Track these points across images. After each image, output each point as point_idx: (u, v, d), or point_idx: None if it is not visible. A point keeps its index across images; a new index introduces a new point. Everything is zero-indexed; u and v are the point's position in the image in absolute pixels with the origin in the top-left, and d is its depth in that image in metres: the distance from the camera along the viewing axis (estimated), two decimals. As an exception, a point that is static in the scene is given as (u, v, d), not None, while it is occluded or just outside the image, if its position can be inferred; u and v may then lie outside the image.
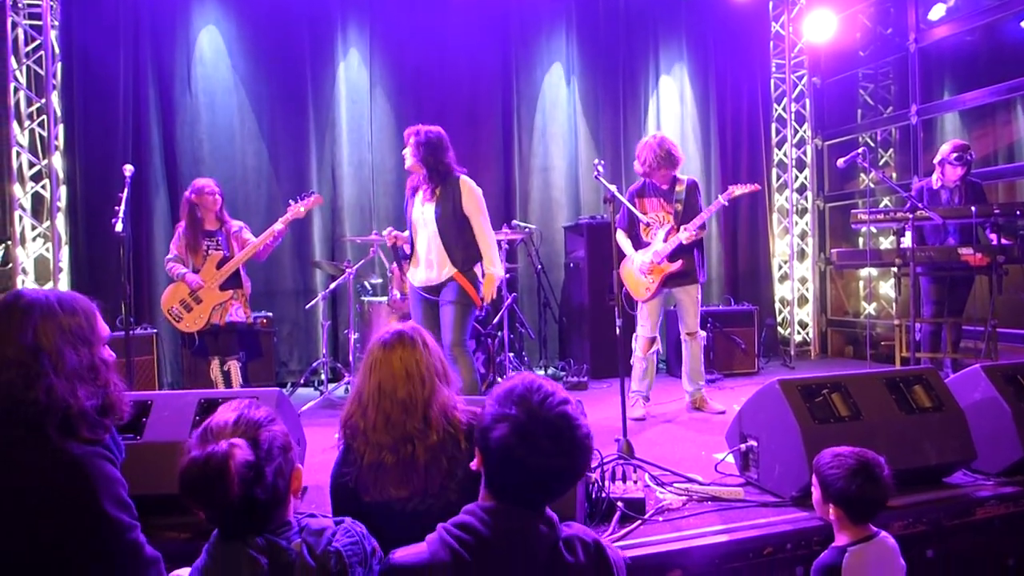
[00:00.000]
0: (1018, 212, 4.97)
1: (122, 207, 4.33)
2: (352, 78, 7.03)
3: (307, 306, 6.57)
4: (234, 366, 5.11)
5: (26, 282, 6.04)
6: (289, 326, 6.85)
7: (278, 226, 5.06)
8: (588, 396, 5.91)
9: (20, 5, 6.12)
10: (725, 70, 8.13)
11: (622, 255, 5.07)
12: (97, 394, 1.82)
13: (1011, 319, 6.02)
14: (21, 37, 6.15)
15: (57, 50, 6.25)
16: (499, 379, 5.83)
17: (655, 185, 5.10)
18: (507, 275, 6.25)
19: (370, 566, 1.61)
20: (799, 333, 8.34)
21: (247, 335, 5.24)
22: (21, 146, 6.11)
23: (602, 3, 7.72)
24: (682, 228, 4.91)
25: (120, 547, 1.73)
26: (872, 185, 7.80)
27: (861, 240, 8.03)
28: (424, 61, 7.18)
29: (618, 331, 4.06)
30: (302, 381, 6.46)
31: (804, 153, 8.45)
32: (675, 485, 3.33)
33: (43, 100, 6.17)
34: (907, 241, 5.18)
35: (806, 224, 8.43)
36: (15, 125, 6.08)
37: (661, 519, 2.97)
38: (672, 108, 7.94)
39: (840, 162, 5.47)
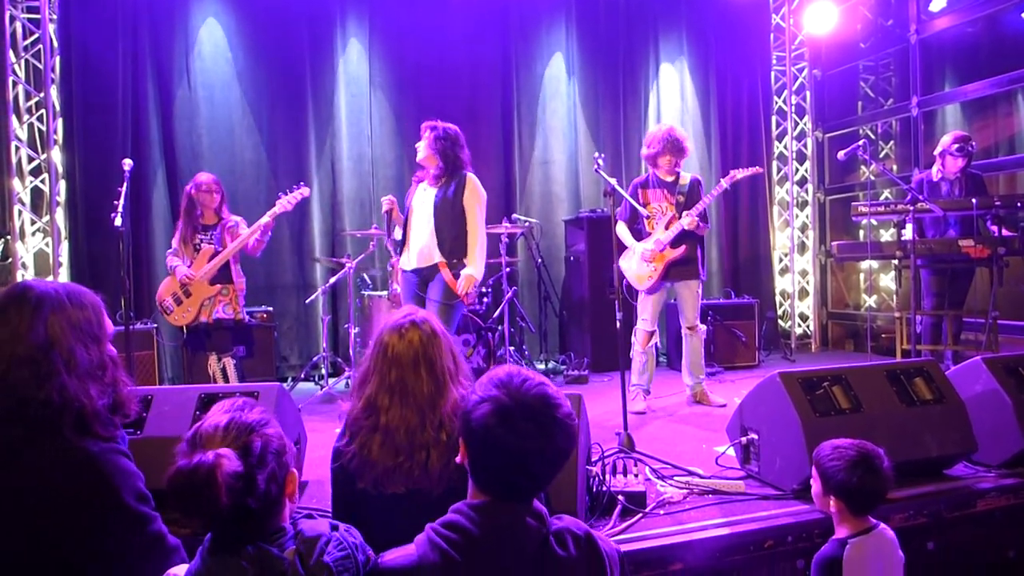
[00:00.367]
0: (1019, 204, 4.97)
1: (121, 201, 4.33)
2: (352, 72, 7.01)
3: (307, 300, 6.57)
4: (228, 363, 5.08)
5: (26, 276, 6.03)
6: (289, 321, 6.84)
7: (265, 219, 5.04)
8: (589, 390, 5.92)
9: (18, -1, 6.11)
10: (725, 63, 8.11)
11: (622, 248, 5.07)
12: (107, 392, 1.80)
13: (1012, 311, 6.02)
14: (19, 31, 6.14)
15: (55, 44, 6.23)
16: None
17: (659, 177, 5.10)
18: (507, 268, 6.25)
19: None
20: (800, 326, 8.34)
21: (238, 331, 5.21)
22: (20, 140, 6.10)
23: (602, -4, 7.71)
24: (684, 214, 4.92)
25: (144, 539, 1.73)
26: (873, 177, 7.79)
27: (862, 233, 8.01)
28: (424, 55, 7.16)
29: (618, 325, 4.05)
30: (303, 376, 6.47)
31: (804, 146, 8.43)
32: (676, 478, 3.33)
33: (42, 94, 6.16)
34: (908, 233, 5.17)
35: (807, 217, 8.42)
36: (14, 119, 6.06)
37: (662, 512, 2.97)
38: (672, 101, 7.92)
39: (841, 154, 5.46)
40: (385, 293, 5.92)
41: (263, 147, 6.79)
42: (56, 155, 6.20)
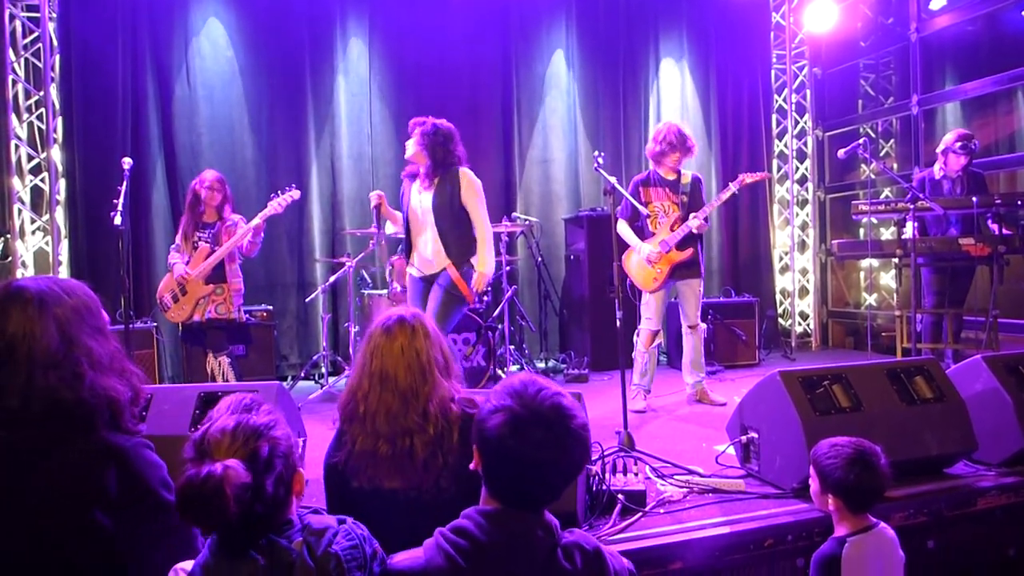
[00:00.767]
0: (1019, 202, 4.96)
1: (121, 200, 4.33)
2: (352, 70, 7.00)
3: (307, 299, 6.57)
4: (224, 362, 5.07)
5: (26, 275, 6.02)
6: (289, 319, 6.84)
7: (255, 222, 5.03)
8: (589, 389, 5.92)
9: (17, -3, 6.11)
10: (725, 61, 8.11)
11: (623, 246, 5.06)
12: (127, 384, 1.77)
13: (1012, 309, 6.01)
14: (19, 29, 6.13)
15: (55, 42, 6.23)
16: (500, 372, 5.83)
17: (660, 175, 5.09)
18: (507, 267, 6.25)
19: (370, 569, 1.59)
20: (800, 324, 8.33)
21: (233, 330, 5.20)
22: (20, 139, 6.10)
23: (602, -6, 7.70)
24: (691, 216, 4.92)
25: (176, 528, 1.73)
26: (873, 176, 7.79)
27: (862, 231, 8.01)
28: (424, 53, 7.15)
29: (618, 323, 4.05)
30: (302, 374, 6.47)
31: (805, 144, 8.42)
32: (676, 477, 3.33)
33: (41, 93, 6.16)
34: (908, 232, 5.16)
35: (807, 215, 8.41)
36: (13, 118, 6.06)
37: (662, 511, 2.97)
38: (672, 100, 7.92)
39: (841, 153, 5.45)
40: (385, 292, 5.91)
41: (263, 145, 6.79)
42: (56, 153, 6.20)
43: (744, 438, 3.37)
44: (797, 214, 8.35)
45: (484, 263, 4.32)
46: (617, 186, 4.27)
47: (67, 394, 1.65)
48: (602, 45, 7.70)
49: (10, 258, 6.01)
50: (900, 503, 2.95)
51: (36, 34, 6.16)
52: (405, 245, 4.59)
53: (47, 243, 6.17)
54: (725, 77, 8.12)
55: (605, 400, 5.15)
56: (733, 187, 5.08)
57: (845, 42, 8.10)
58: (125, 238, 4.37)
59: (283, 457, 1.56)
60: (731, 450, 3.51)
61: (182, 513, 1.43)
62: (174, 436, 2.54)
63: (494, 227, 6.00)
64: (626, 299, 4.47)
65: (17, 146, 6.08)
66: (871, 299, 8.03)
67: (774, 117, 8.34)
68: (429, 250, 4.37)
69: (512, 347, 6.32)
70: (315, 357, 6.39)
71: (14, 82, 6.07)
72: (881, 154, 8.27)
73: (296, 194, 5.17)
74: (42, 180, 6.19)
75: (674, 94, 7.93)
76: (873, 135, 8.31)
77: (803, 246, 8.40)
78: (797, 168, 8.38)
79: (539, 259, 7.04)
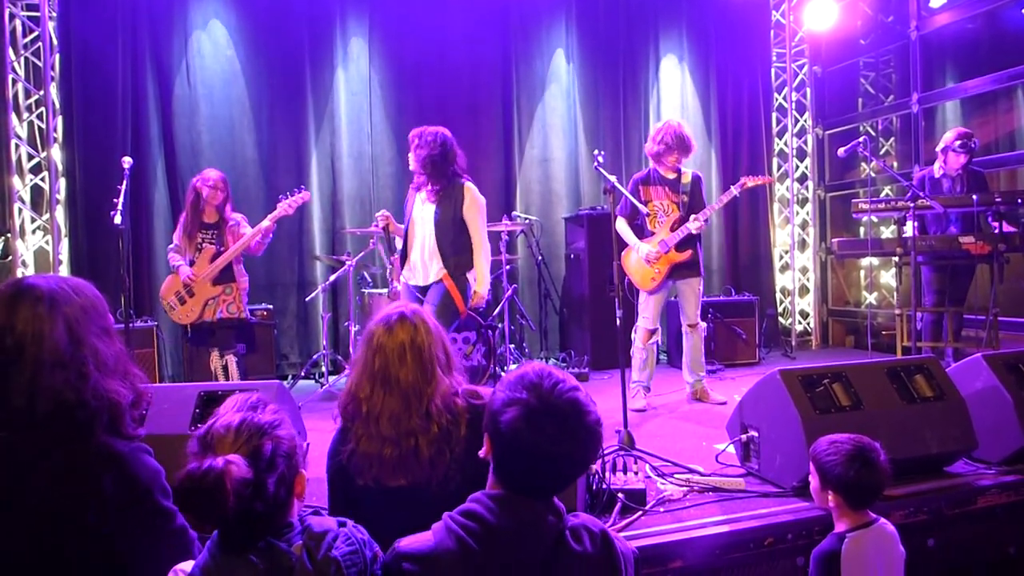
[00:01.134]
0: (1019, 200, 4.96)
1: (121, 199, 4.33)
2: (352, 69, 7.00)
3: (307, 298, 6.57)
4: (231, 360, 5.10)
5: (26, 274, 6.02)
6: (289, 319, 6.84)
7: (265, 223, 5.04)
8: (589, 387, 5.87)
9: (17, -3, 6.10)
10: (725, 60, 8.10)
11: (623, 245, 5.06)
12: (129, 387, 1.76)
13: (1012, 308, 6.02)
14: (19, 28, 6.13)
15: (55, 41, 6.23)
16: (500, 371, 5.83)
17: (660, 174, 5.09)
18: (507, 266, 6.25)
19: (371, 573, 1.59)
20: (800, 323, 8.33)
21: (242, 329, 5.23)
22: (20, 138, 6.10)
23: (602, -7, 7.70)
24: (692, 217, 4.91)
25: (170, 533, 1.73)
26: (873, 174, 7.78)
27: (862, 229, 8.01)
28: (424, 52, 7.15)
29: (618, 322, 4.05)
30: (303, 373, 6.47)
31: (805, 142, 8.42)
32: (676, 476, 3.33)
33: (41, 92, 6.16)
34: (908, 230, 5.16)
35: (807, 214, 8.41)
36: (13, 117, 6.06)
37: (662, 510, 2.97)
38: (672, 99, 7.91)
39: (841, 151, 5.45)
40: (385, 291, 5.91)
41: (263, 145, 6.78)
42: (56, 153, 6.20)
43: (744, 437, 3.37)
44: (797, 212, 8.35)
45: (480, 283, 4.40)
46: (617, 185, 4.27)
47: (70, 395, 1.64)
48: (602, 44, 7.69)
49: (10, 257, 6.01)
50: (900, 501, 2.95)
51: (36, 33, 6.16)
52: (402, 253, 4.61)
53: (47, 242, 6.17)
54: (725, 76, 8.12)
55: (605, 399, 5.13)
56: (734, 190, 5.07)
57: (845, 40, 8.09)
58: (125, 237, 4.38)
59: (286, 457, 1.55)
60: (731, 449, 3.51)
61: (181, 506, 1.43)
62: (174, 435, 2.54)
63: (494, 226, 6.03)
64: (625, 298, 4.47)
65: (17, 145, 6.08)
66: (871, 298, 8.03)
67: (774, 115, 8.33)
68: (427, 260, 4.42)
69: (512, 346, 6.32)
70: (315, 356, 6.39)
71: (14, 81, 6.07)
72: (881, 152, 8.27)
73: (306, 196, 5.20)
74: (42, 179, 6.19)
75: (674, 93, 7.93)
76: (873, 133, 8.30)
77: (803, 245, 8.40)
78: (797, 167, 8.38)
79: (539, 258, 7.04)
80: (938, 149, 5.48)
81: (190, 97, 6.56)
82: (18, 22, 6.12)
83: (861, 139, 5.39)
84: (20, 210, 6.08)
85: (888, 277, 8.07)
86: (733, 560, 2.76)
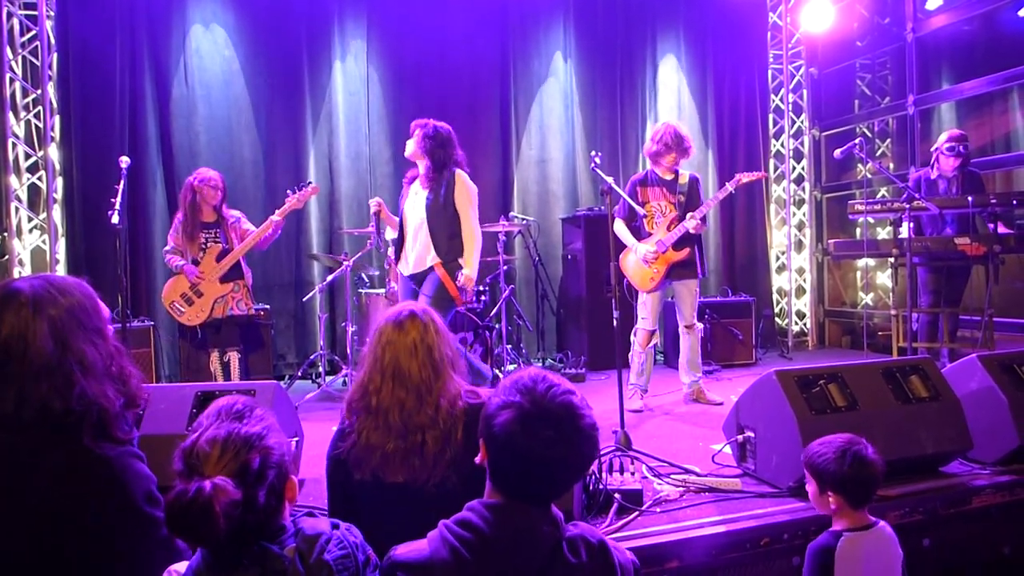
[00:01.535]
0: (1015, 201, 4.98)
1: (118, 199, 4.33)
2: (350, 69, 7.00)
3: (304, 299, 6.57)
4: (234, 357, 5.12)
5: (23, 274, 6.02)
6: (287, 319, 6.84)
7: (275, 218, 5.07)
8: (586, 388, 5.93)
9: (14, -4, 6.09)
10: (723, 61, 8.11)
11: (620, 246, 5.07)
12: (121, 390, 1.74)
13: (1008, 308, 6.03)
14: (16, 27, 6.12)
15: (52, 40, 6.21)
16: (497, 371, 5.84)
17: (658, 175, 5.10)
18: (504, 267, 6.25)
19: None
20: (796, 324, 8.35)
21: (248, 327, 5.25)
22: (17, 137, 6.09)
23: (600, -6, 7.71)
24: (688, 216, 4.92)
25: (154, 542, 1.71)
26: (869, 176, 7.81)
27: (858, 231, 8.03)
28: (422, 53, 7.15)
29: (615, 323, 4.06)
30: (299, 374, 6.47)
31: (801, 144, 8.43)
32: (672, 476, 3.34)
33: (39, 91, 6.14)
34: (904, 231, 5.18)
35: (803, 215, 8.42)
36: (11, 116, 6.05)
37: (658, 510, 2.98)
38: (670, 99, 7.92)
39: (837, 153, 5.46)
40: (382, 291, 5.92)
41: (261, 145, 6.78)
42: (53, 152, 6.19)
43: (740, 437, 3.38)
44: (794, 214, 8.36)
45: (469, 266, 4.44)
46: (614, 186, 4.28)
47: (57, 402, 1.63)
48: (600, 45, 7.70)
49: (7, 256, 6.00)
50: (895, 502, 2.96)
51: (33, 32, 6.14)
52: (397, 243, 4.66)
53: (44, 242, 6.16)
54: (722, 77, 8.13)
55: (602, 400, 5.14)
56: (730, 186, 5.09)
57: (841, 42, 8.11)
58: (122, 237, 4.38)
59: (275, 467, 1.53)
60: (727, 449, 3.52)
61: (171, 529, 1.41)
62: (171, 435, 2.55)
63: (491, 227, 6.04)
64: (623, 299, 4.48)
65: (14, 144, 6.07)
66: (867, 298, 8.05)
67: (771, 117, 8.34)
68: (420, 247, 4.47)
69: (509, 346, 6.32)
70: (312, 356, 6.39)
71: (11, 80, 6.06)
72: (877, 154, 8.29)
73: (315, 189, 5.28)
74: (39, 178, 6.18)
75: (671, 94, 7.94)
76: (869, 135, 8.32)
77: (800, 246, 8.42)
78: (794, 168, 8.39)
79: (536, 259, 7.05)
80: (932, 150, 5.50)
81: (188, 97, 6.55)
82: (16, 21, 6.11)
83: (857, 140, 5.41)
84: (17, 209, 6.07)
85: (884, 278, 8.09)
86: (729, 560, 2.77)
